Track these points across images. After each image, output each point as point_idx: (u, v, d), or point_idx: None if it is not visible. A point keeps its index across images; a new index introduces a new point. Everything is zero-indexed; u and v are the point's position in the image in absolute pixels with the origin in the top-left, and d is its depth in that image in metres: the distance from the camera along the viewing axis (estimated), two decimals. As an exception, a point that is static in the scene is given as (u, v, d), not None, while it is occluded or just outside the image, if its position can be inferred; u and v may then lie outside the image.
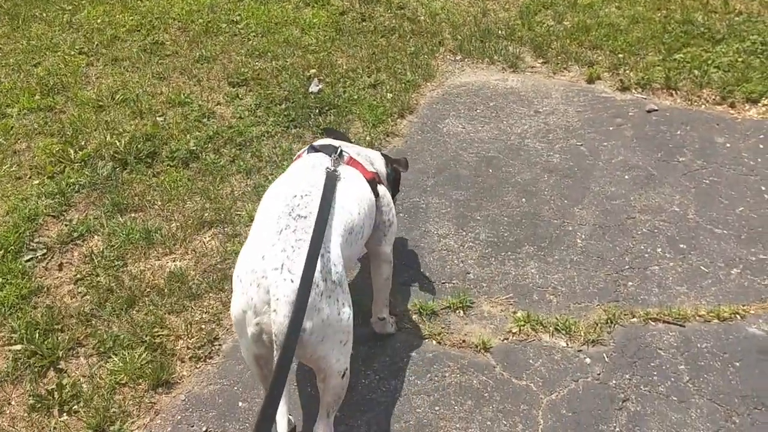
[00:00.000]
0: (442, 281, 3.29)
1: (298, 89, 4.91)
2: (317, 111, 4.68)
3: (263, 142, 4.38)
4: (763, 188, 3.82)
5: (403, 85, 4.95)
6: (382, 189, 2.74)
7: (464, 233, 3.60)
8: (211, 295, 3.23)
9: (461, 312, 3.12)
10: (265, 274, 2.06)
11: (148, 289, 3.27)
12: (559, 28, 5.59)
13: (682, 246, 3.44)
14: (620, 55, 5.17)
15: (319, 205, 2.22)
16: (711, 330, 2.97)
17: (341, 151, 2.59)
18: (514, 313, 3.10)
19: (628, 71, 5.02)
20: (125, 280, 3.33)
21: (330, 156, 2.54)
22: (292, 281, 2.03)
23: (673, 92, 4.80)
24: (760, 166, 3.99)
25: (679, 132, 4.35)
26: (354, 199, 2.45)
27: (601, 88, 4.92)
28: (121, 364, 2.88)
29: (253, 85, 5.00)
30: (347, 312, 2.19)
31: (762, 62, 4.92)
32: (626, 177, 3.99)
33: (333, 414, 2.38)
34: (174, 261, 3.45)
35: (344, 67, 5.22)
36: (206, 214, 3.73)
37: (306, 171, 2.47)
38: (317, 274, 2.07)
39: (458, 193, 3.91)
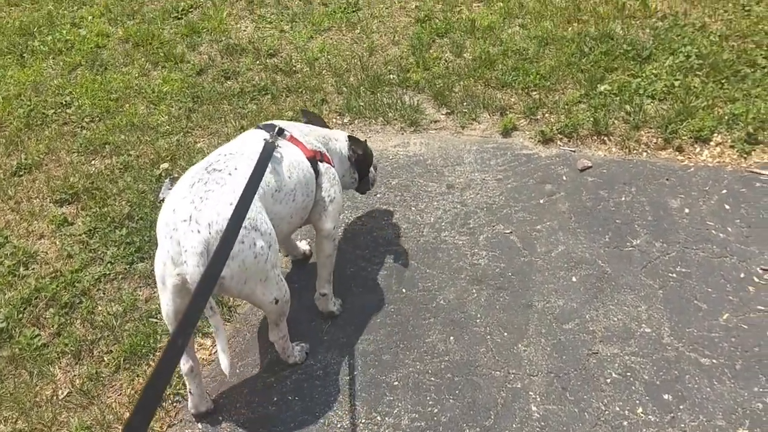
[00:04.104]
0: None
1: (145, 198, 3.80)
2: (173, 229, 3.59)
3: (98, 294, 3.28)
4: (743, 275, 3.02)
5: (279, 172, 3.91)
6: (323, 167, 2.80)
7: (379, 419, 2.63)
8: None
9: None
10: (175, 226, 2.19)
11: None
12: (460, 64, 4.66)
13: (666, 397, 2.58)
14: (535, 94, 4.29)
15: (254, 169, 2.26)
16: None
17: (281, 129, 2.67)
18: None
19: (547, 114, 4.15)
20: None
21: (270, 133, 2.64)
22: (198, 232, 2.16)
23: (606, 138, 3.95)
24: (732, 239, 3.19)
25: (623, 198, 3.51)
26: (286, 164, 2.56)
27: (520, 141, 4.03)
28: None
29: (85, 201, 3.85)
30: (263, 251, 2.29)
31: (703, 82, 4.12)
32: (574, 279, 3.11)
33: (282, 321, 2.63)
34: None
35: (205, 152, 4.13)
36: (17, 444, 2.63)
37: (240, 140, 2.62)
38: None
39: (366, 340, 2.95)
